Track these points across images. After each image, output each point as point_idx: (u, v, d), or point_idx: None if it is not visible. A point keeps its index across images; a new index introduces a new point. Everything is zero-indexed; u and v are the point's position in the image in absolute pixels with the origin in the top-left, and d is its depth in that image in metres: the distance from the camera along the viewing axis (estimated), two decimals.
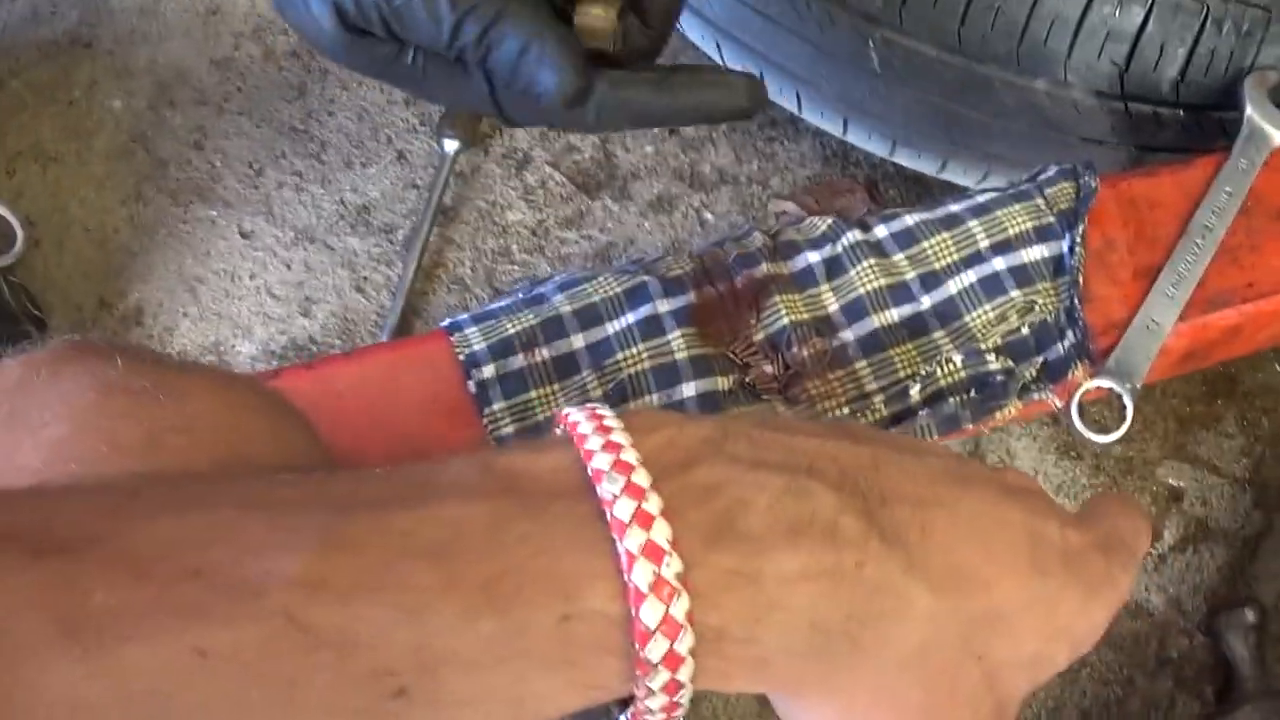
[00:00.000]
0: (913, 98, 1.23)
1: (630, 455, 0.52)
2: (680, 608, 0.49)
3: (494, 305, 1.03)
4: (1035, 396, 1.01)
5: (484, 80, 0.82)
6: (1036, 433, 1.46)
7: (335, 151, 1.55)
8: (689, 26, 1.36)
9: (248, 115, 1.58)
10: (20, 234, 1.41)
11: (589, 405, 0.56)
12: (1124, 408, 1.01)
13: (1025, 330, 1.01)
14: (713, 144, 1.57)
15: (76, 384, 0.62)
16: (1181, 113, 1.17)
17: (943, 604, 0.56)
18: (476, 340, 0.98)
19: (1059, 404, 1.02)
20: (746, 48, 1.30)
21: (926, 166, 1.33)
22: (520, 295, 1.03)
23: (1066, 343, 1.01)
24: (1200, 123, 1.18)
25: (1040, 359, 1.01)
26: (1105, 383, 1.01)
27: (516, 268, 1.48)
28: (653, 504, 0.50)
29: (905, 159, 1.33)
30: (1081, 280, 1.02)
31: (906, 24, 1.17)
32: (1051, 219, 1.04)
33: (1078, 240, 1.02)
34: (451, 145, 1.53)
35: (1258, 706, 1.32)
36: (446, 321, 1.01)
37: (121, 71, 1.62)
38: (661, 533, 0.50)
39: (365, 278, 1.49)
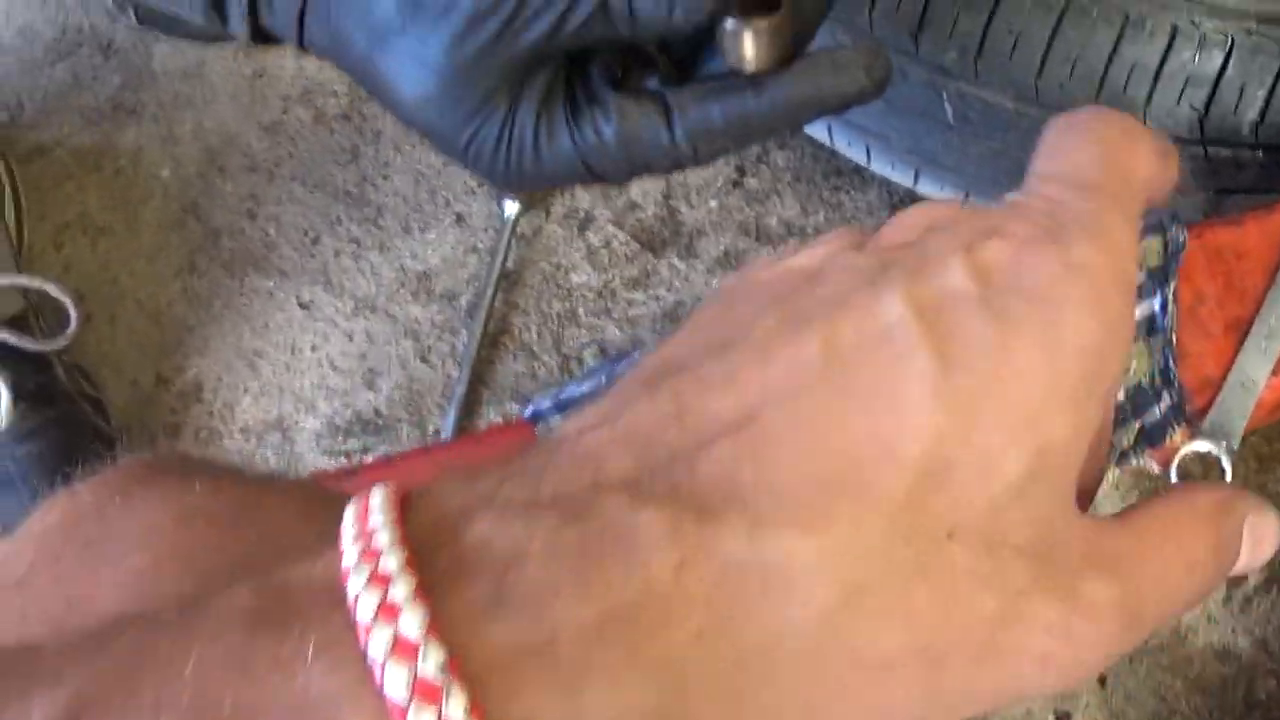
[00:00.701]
0: (988, 149, 1.20)
1: (384, 536, 0.41)
2: (458, 708, 0.38)
3: (575, 387, 1.00)
4: (1134, 463, 0.99)
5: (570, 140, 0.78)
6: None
7: (392, 216, 1.52)
8: None
9: (300, 181, 1.56)
10: (74, 314, 1.37)
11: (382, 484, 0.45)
12: (1222, 470, 0.99)
13: (1121, 395, 0.98)
14: (778, 196, 1.54)
15: (152, 511, 0.57)
16: (1260, 154, 1.14)
17: (835, 530, 0.43)
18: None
19: (1158, 469, 0.99)
20: None
21: None
22: (603, 377, 1.00)
23: (1163, 405, 0.99)
24: (1279, 165, 1.16)
25: (1138, 424, 0.99)
26: (1203, 446, 0.98)
27: (584, 331, 1.45)
28: (400, 589, 0.39)
29: None
30: (1175, 339, 0.99)
31: (982, 77, 1.14)
32: (1142, 277, 1.01)
33: (1170, 298, 0.99)
34: (512, 208, 1.49)
35: None
36: (529, 410, 0.98)
37: (167, 138, 1.60)
38: (413, 622, 0.39)
39: (429, 347, 1.46)
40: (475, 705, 0.38)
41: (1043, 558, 0.46)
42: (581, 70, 0.79)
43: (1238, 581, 1.37)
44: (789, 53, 0.75)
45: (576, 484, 0.43)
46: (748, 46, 0.73)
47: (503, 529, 0.41)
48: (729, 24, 0.73)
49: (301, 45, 0.80)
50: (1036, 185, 0.51)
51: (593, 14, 0.73)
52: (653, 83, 0.80)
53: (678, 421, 0.45)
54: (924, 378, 0.44)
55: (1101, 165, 0.52)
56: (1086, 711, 1.33)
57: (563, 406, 0.96)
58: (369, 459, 1.42)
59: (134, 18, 1.63)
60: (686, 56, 0.81)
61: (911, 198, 1.46)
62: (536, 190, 0.86)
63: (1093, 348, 0.47)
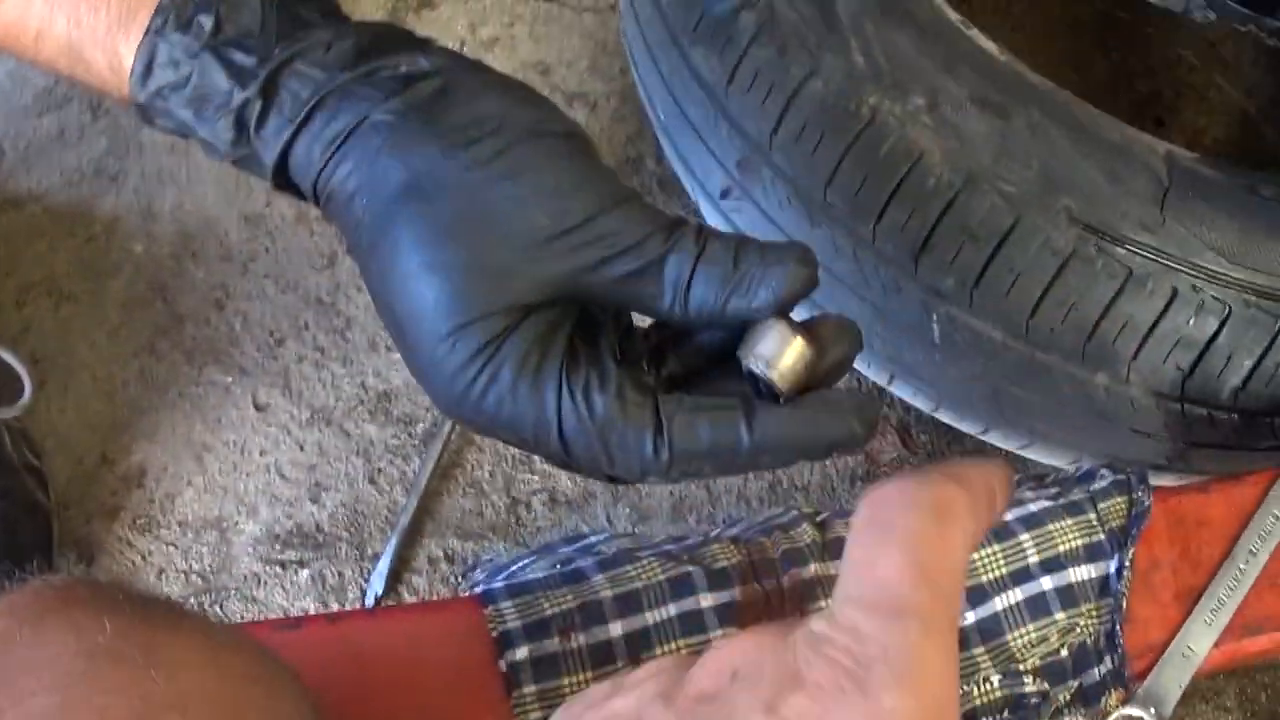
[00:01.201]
0: (968, 373, 1.20)
1: None
2: None
3: (529, 567, 0.99)
4: None
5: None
6: None
7: (360, 331, 1.51)
8: None
9: (273, 279, 1.55)
10: (29, 386, 1.34)
11: None
12: None
13: (1064, 652, 0.98)
14: None
15: (63, 647, 0.59)
16: (1236, 416, 1.15)
17: None
18: (512, 617, 0.94)
19: None
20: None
21: (968, 428, 1.30)
22: (559, 565, 0.99)
23: (1103, 668, 0.99)
24: (1252, 426, 1.16)
25: (1076, 683, 0.99)
26: (1135, 712, 0.99)
27: (536, 477, 1.44)
28: None
29: (948, 418, 1.30)
30: (1126, 603, 0.99)
31: (975, 306, 1.14)
32: (1101, 537, 1.01)
33: (1126, 564, 1.00)
34: None
35: None
36: (480, 585, 0.97)
37: (145, 212, 1.58)
38: None
39: (380, 469, 1.45)
40: None
41: None
42: (587, 333, 0.73)
43: None
44: (807, 387, 0.72)
45: None
46: (785, 357, 0.70)
47: None
48: (777, 329, 0.70)
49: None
50: (842, 613, 0.50)
51: (644, 274, 0.70)
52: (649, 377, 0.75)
53: None
54: None
55: (908, 576, 0.50)
56: None
57: (515, 591, 0.95)
58: (305, 573, 1.40)
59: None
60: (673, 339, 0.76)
61: (879, 392, 1.46)
62: (476, 431, 0.76)
63: None
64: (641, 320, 0.74)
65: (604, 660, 0.94)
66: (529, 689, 0.93)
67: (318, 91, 0.71)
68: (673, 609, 0.95)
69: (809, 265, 0.70)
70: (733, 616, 0.95)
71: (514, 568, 0.99)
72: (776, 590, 0.97)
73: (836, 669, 0.48)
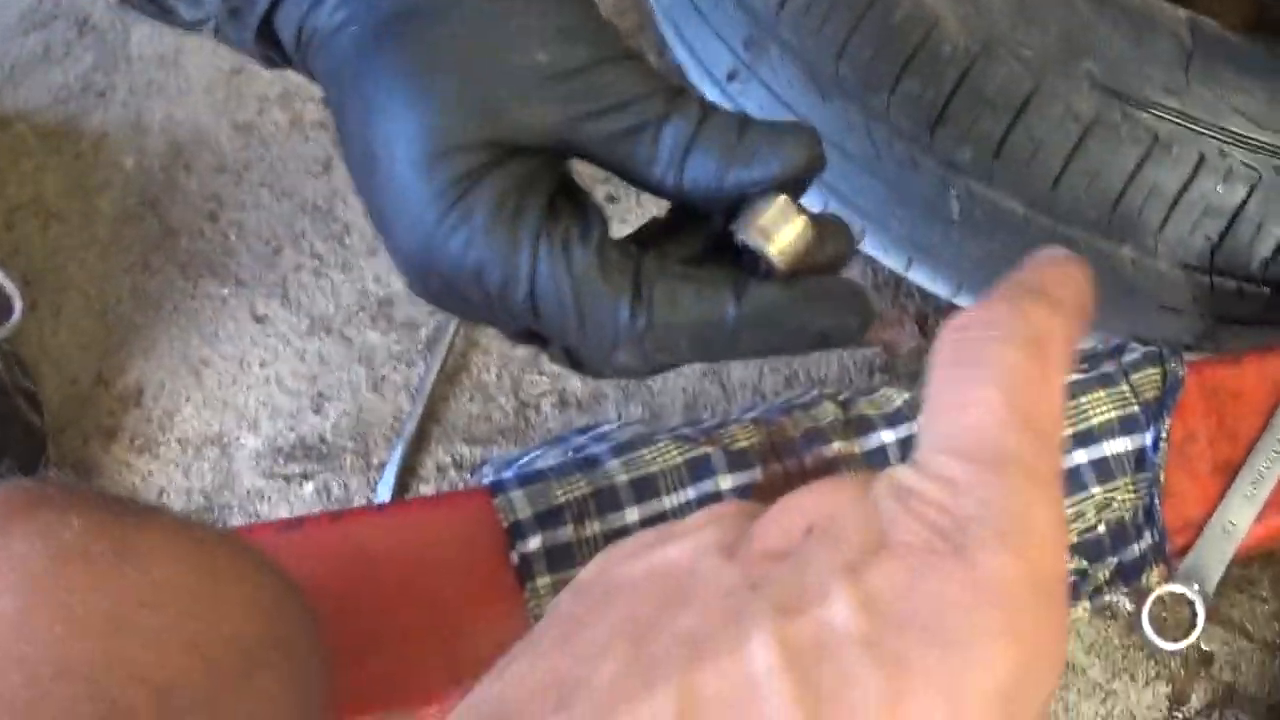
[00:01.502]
0: (987, 249, 1.16)
1: None
2: None
3: (540, 458, 0.96)
4: (1107, 599, 0.95)
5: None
6: None
7: (360, 236, 1.47)
8: None
9: (268, 187, 1.50)
10: (19, 305, 1.31)
11: None
12: (1194, 614, 0.96)
13: (1101, 529, 0.95)
14: None
15: (29, 546, 0.57)
16: (1266, 289, 1.11)
17: None
18: (523, 507, 0.91)
19: (1130, 607, 0.97)
20: None
21: None
22: (569, 451, 0.95)
23: (1143, 544, 0.96)
24: None
25: (1115, 560, 0.96)
26: (1178, 588, 0.96)
27: (545, 378, 1.40)
28: None
29: (967, 304, 1.26)
30: (1163, 476, 0.96)
31: (996, 179, 1.10)
32: (1136, 409, 0.98)
33: (1162, 435, 0.96)
34: None
35: None
36: (489, 478, 0.94)
37: (135, 126, 1.54)
38: None
39: (383, 376, 1.41)
40: None
41: None
42: (573, 192, 0.68)
43: (1180, 702, 1.34)
44: (807, 268, 0.66)
45: None
46: (785, 233, 0.64)
47: None
48: (778, 202, 0.64)
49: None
50: (931, 461, 0.43)
51: (640, 134, 0.65)
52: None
53: None
54: None
55: (1009, 420, 0.44)
56: None
57: (526, 480, 0.92)
58: (309, 486, 1.36)
59: None
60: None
61: (895, 277, 1.42)
62: (428, 298, 0.70)
63: (1009, 686, 0.40)
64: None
65: None
66: (543, 580, 0.90)
67: None
68: (691, 492, 0.92)
69: (817, 144, 0.65)
70: (755, 497, 0.91)
71: (523, 460, 0.96)
72: (799, 469, 0.93)
73: (928, 527, 0.41)
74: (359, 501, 1.35)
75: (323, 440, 1.39)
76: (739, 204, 0.65)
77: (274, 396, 1.41)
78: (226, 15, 0.70)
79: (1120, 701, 1.34)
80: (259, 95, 1.56)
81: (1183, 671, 1.37)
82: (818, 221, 0.65)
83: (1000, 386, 0.44)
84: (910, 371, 1.42)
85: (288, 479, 1.37)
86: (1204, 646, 1.38)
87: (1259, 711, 1.37)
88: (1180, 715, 1.36)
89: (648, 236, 0.70)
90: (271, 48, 0.71)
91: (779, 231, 0.65)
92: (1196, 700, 1.37)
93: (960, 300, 1.25)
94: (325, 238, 1.47)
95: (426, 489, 1.36)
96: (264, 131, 1.54)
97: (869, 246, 1.27)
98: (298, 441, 1.38)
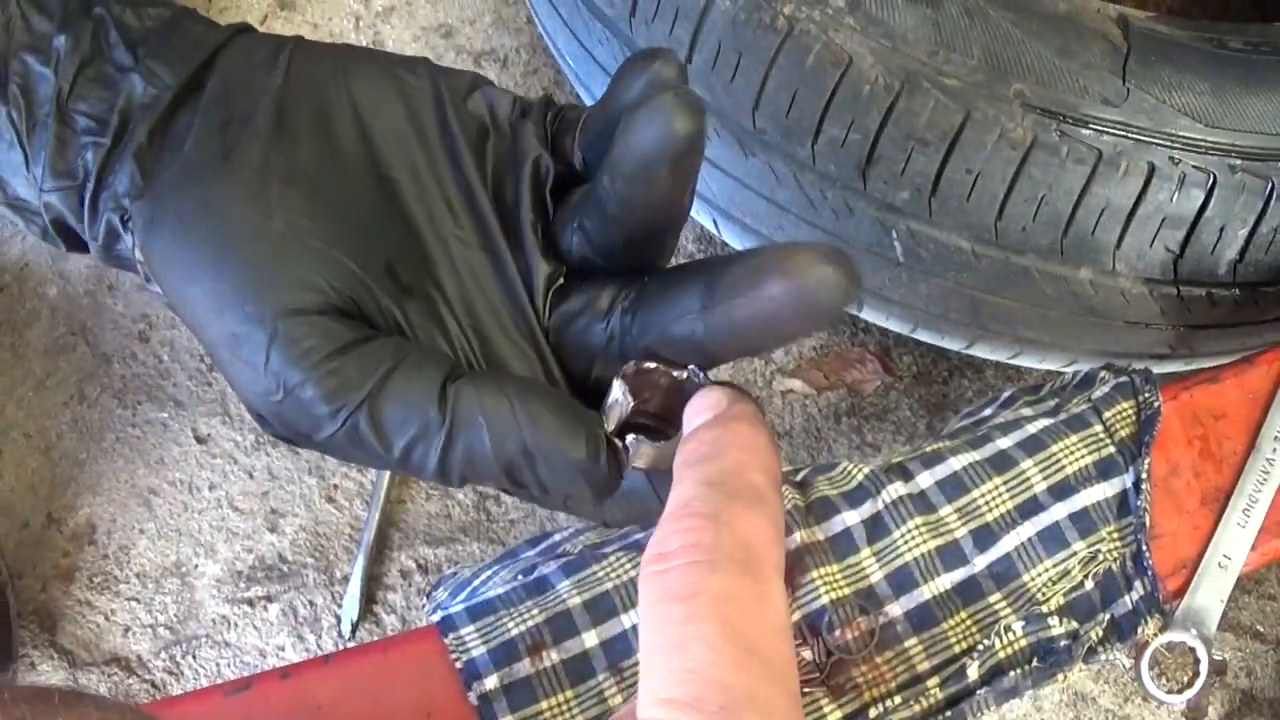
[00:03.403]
0: (939, 287, 1.11)
1: None
2: None
3: (485, 579, 0.91)
4: (1103, 657, 0.90)
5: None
6: None
7: None
8: None
9: None
10: None
11: None
12: (1197, 660, 0.91)
13: (1089, 584, 0.90)
14: None
15: None
16: (1237, 291, 1.06)
17: None
18: (475, 644, 0.86)
19: (1129, 664, 0.92)
20: (748, 229, 1.17)
21: (951, 345, 1.21)
22: (520, 576, 0.90)
23: (1134, 595, 0.91)
24: (1256, 299, 1.07)
25: (1106, 616, 0.91)
26: (1177, 637, 0.91)
27: None
28: None
29: (927, 338, 1.20)
30: (1148, 520, 0.91)
31: (936, 217, 1.05)
32: (1112, 449, 0.92)
33: (1143, 474, 0.91)
34: None
35: None
36: (438, 616, 0.89)
37: (54, 253, 1.48)
38: None
39: (335, 485, 1.36)
40: None
41: None
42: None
43: (1197, 717, 1.29)
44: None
45: None
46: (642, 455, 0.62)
47: None
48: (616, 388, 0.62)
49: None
50: (654, 716, 0.42)
51: None
52: None
53: None
54: None
55: (729, 655, 0.42)
56: None
57: (476, 613, 0.87)
58: (274, 609, 1.31)
59: None
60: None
61: (853, 319, 1.37)
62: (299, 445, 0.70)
63: None
64: None
65: (583, 675, 0.86)
66: (505, 719, 0.85)
67: None
68: None
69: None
70: None
71: (475, 583, 0.91)
72: None
73: None
74: (326, 619, 1.30)
75: (282, 559, 1.33)
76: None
77: (228, 519, 1.35)
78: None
79: None
80: None
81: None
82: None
83: (715, 620, 0.42)
84: (878, 411, 1.37)
85: (252, 603, 1.31)
86: (1216, 655, 1.33)
87: (1279, 713, 1.32)
88: None
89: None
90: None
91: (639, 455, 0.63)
92: (1214, 712, 1.32)
93: (919, 335, 1.20)
94: None
95: (394, 596, 1.31)
96: None
97: None
98: (257, 562, 1.33)
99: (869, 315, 1.21)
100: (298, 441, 0.64)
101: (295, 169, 0.65)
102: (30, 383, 1.42)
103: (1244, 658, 1.33)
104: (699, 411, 0.55)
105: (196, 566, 1.34)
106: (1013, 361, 1.20)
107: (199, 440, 1.39)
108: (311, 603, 1.31)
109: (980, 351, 1.20)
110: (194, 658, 1.30)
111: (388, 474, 1.33)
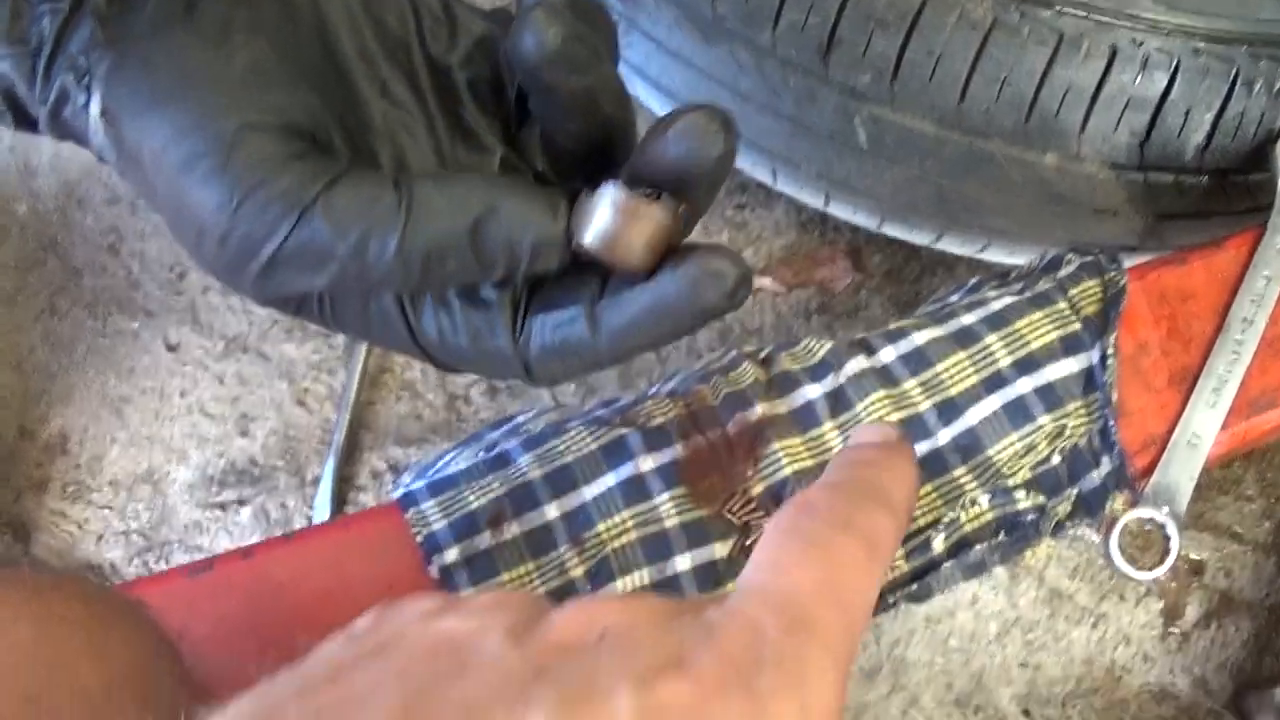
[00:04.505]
0: (904, 174, 1.10)
1: None
2: None
3: (449, 459, 0.91)
4: (1070, 533, 0.90)
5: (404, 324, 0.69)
6: None
7: None
8: (638, 90, 1.22)
9: None
10: None
11: None
12: (1167, 537, 0.91)
13: (1056, 459, 0.90)
14: None
15: None
16: (1205, 178, 1.06)
17: None
18: (436, 518, 0.86)
19: (1097, 539, 0.92)
20: None
21: (919, 239, 1.20)
22: (481, 453, 0.90)
23: (1102, 470, 0.90)
24: (1225, 187, 1.07)
25: (1074, 491, 0.90)
26: (1146, 513, 0.91)
27: None
28: None
29: (895, 232, 1.20)
30: (1115, 395, 0.91)
31: (898, 100, 1.04)
32: (1077, 326, 0.92)
33: (1109, 350, 0.91)
34: None
35: None
36: (399, 492, 0.89)
37: (24, 170, 1.48)
38: None
39: (306, 389, 1.36)
40: None
41: None
42: None
43: (1174, 617, 1.29)
44: (671, 247, 0.65)
45: None
46: (620, 231, 0.62)
47: None
48: (607, 196, 0.62)
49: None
50: (743, 602, 0.45)
51: None
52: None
53: None
54: None
55: (821, 593, 0.46)
56: None
57: (437, 489, 0.87)
58: (246, 512, 1.31)
59: None
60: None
61: (823, 218, 1.37)
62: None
63: None
64: None
65: (544, 547, 0.86)
66: (467, 592, 0.85)
67: None
68: (611, 479, 0.86)
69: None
70: (680, 475, 0.86)
71: (439, 464, 0.90)
72: (723, 439, 0.88)
73: (725, 662, 0.41)
74: (298, 521, 1.30)
75: (253, 463, 1.33)
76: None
77: (199, 425, 1.35)
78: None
79: (1112, 624, 1.29)
80: None
81: (1174, 584, 1.32)
82: (651, 198, 0.63)
83: (826, 565, 0.46)
84: (848, 309, 1.37)
85: (224, 507, 1.32)
86: (1193, 555, 1.33)
87: (1259, 615, 1.32)
88: (1177, 630, 1.31)
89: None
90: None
91: (613, 234, 0.63)
92: (1192, 612, 1.32)
93: (888, 229, 1.20)
94: None
95: (365, 497, 1.31)
96: None
97: (785, 186, 1.22)
98: (229, 467, 1.34)
99: (836, 210, 1.21)
100: (241, 273, 0.65)
101: (256, 23, 0.66)
102: (1, 300, 1.42)
103: (1221, 559, 1.33)
104: (871, 435, 0.58)
105: (168, 473, 1.34)
106: (982, 256, 1.19)
107: (169, 348, 1.39)
108: (283, 505, 1.32)
109: (949, 245, 1.19)
110: (167, 563, 1.31)
111: (357, 373, 1.33)
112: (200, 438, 1.35)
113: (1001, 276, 1.00)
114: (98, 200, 1.46)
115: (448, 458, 0.92)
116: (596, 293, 0.67)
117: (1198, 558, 1.33)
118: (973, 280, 1.01)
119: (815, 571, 0.46)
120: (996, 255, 1.18)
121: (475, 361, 0.69)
